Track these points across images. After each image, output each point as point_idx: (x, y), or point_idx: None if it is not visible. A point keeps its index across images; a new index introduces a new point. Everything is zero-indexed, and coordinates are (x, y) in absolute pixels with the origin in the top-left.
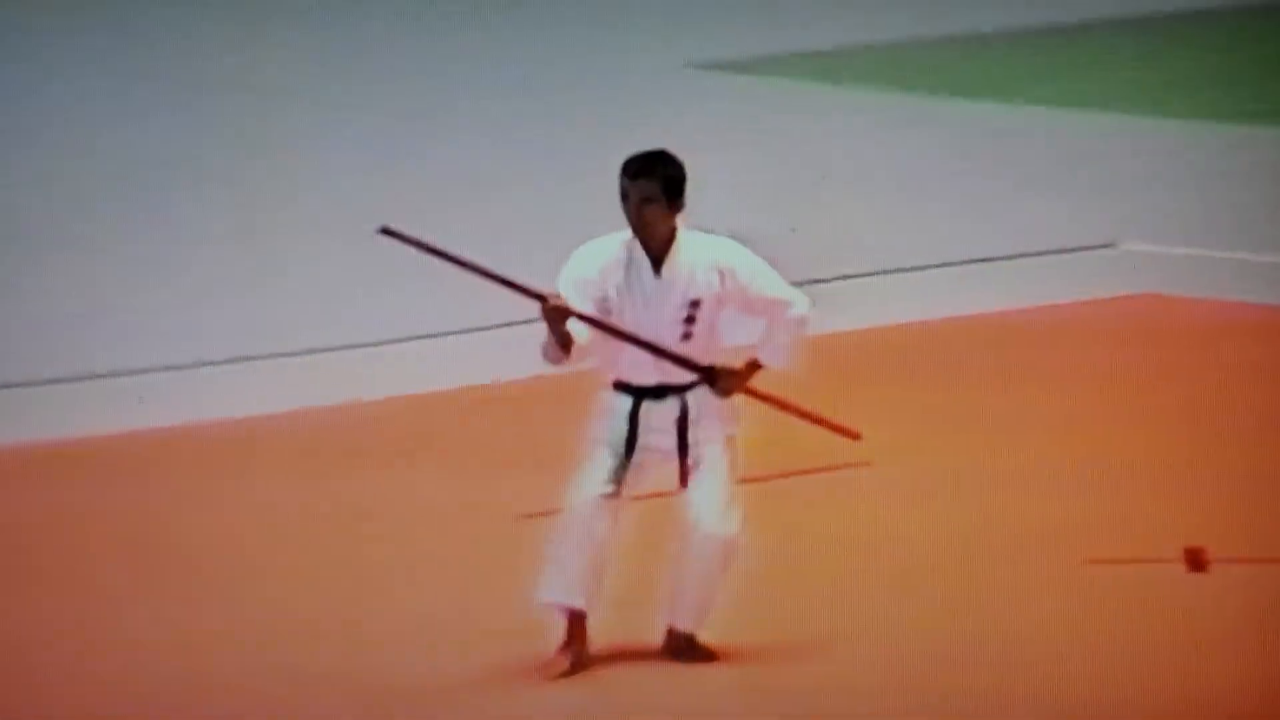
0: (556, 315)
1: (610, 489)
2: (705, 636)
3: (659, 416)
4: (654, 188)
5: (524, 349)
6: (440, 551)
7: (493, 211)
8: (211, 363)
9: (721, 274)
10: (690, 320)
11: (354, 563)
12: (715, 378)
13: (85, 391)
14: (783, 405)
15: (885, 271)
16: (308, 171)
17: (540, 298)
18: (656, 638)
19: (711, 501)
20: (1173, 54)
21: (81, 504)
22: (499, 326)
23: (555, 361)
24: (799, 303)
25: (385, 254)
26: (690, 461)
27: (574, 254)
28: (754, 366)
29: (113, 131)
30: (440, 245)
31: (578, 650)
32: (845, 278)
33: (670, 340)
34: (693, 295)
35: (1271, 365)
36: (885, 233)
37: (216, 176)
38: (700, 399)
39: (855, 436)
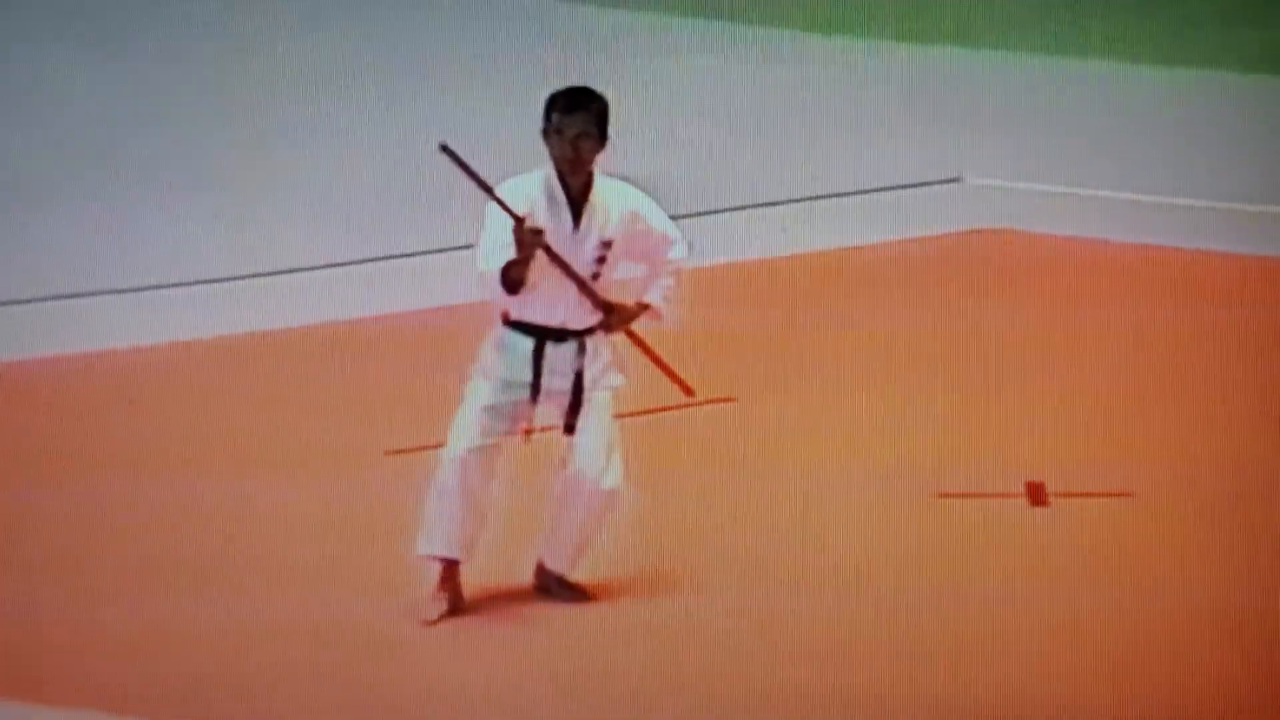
0: (530, 239)
1: (489, 440)
2: (578, 574)
3: (559, 359)
4: (589, 121)
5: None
6: (316, 492)
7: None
8: (105, 292)
9: (632, 216)
10: (601, 260)
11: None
12: (610, 312)
13: None
14: (642, 347)
15: (731, 209)
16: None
17: (518, 218)
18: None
19: (596, 453)
20: None
21: None
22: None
23: (508, 293)
24: (682, 252)
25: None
26: (582, 408)
27: (498, 188)
28: (642, 307)
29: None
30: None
31: (451, 596)
32: (692, 215)
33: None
34: (606, 236)
35: (1115, 299)
36: (733, 169)
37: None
38: (596, 345)
39: (689, 392)
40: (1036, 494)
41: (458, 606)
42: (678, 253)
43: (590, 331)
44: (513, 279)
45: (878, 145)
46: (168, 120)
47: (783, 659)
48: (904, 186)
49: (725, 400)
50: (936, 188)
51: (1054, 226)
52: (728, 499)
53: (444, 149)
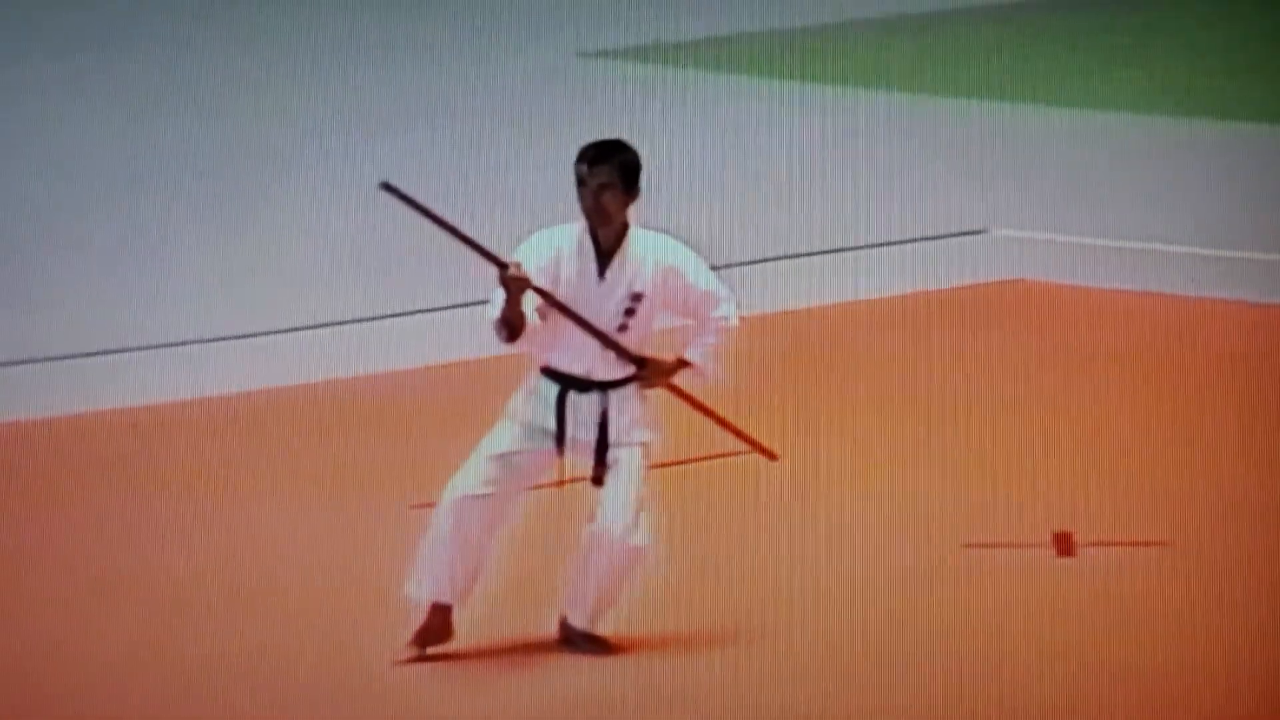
0: (514, 285)
1: (490, 489)
2: (603, 627)
3: (583, 409)
4: (612, 174)
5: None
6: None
7: (388, 211)
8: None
9: (668, 271)
10: (629, 313)
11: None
12: (644, 366)
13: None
14: (705, 411)
15: (759, 260)
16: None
17: (502, 265)
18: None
19: (623, 508)
20: (1040, 43)
21: None
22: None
23: (505, 340)
24: (730, 311)
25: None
26: (608, 461)
27: (528, 239)
28: (680, 364)
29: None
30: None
31: (435, 639)
32: (722, 267)
33: (606, 330)
34: (636, 289)
35: (1138, 350)
36: (761, 221)
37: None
38: (622, 399)
39: (772, 457)
40: (1064, 544)
41: (441, 643)
42: (725, 311)
43: (620, 384)
44: (506, 324)
45: (904, 197)
46: (187, 174)
47: (810, 712)
48: (930, 238)
49: (738, 454)
50: (962, 239)
51: (1079, 277)
52: (754, 550)
53: (385, 187)
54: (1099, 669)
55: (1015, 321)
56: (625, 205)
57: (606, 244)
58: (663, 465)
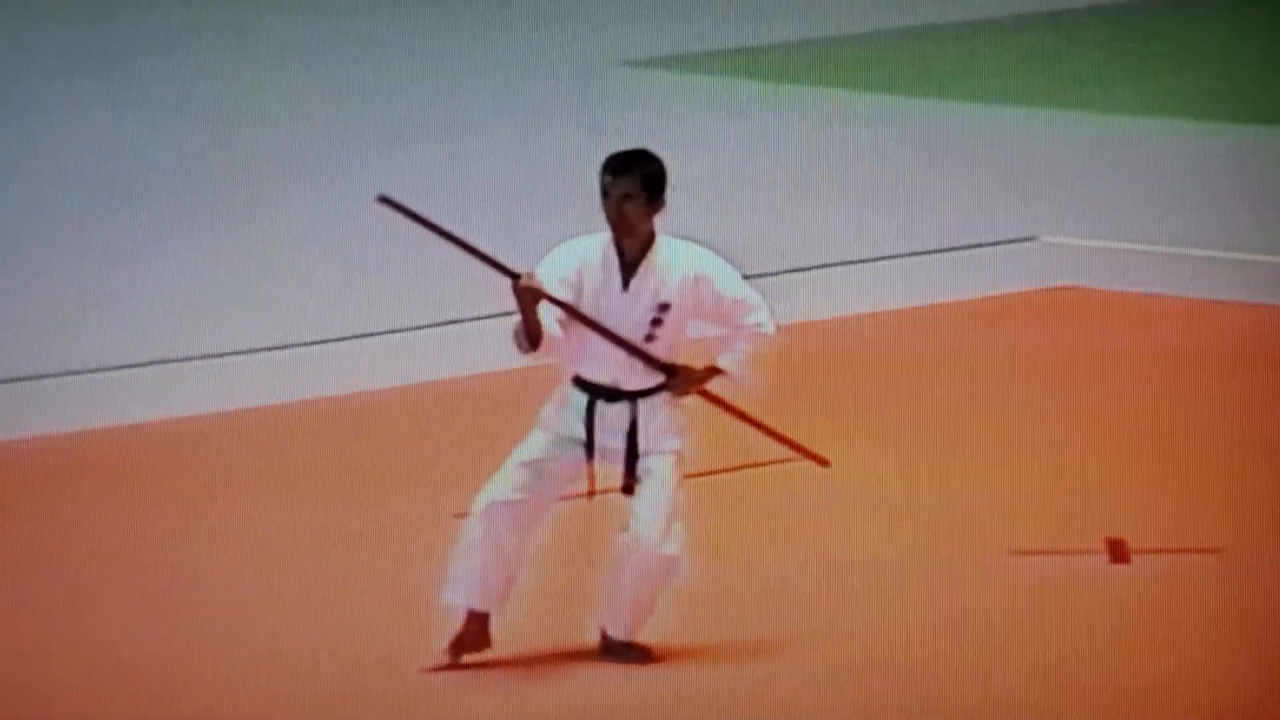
0: (527, 295)
1: (521, 496)
2: (644, 636)
3: (612, 418)
4: (634, 184)
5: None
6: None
7: (430, 214)
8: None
9: (696, 280)
10: (656, 323)
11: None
12: (674, 374)
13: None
14: (748, 419)
15: (808, 268)
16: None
17: (513, 275)
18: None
19: (655, 517)
20: (1088, 49)
21: None
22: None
23: (525, 350)
24: (764, 319)
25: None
26: (639, 470)
27: (553, 251)
28: (712, 371)
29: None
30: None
31: (469, 648)
32: (767, 274)
33: (631, 340)
34: (663, 299)
35: (1190, 356)
36: (809, 229)
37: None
38: (651, 408)
39: (824, 463)
40: (1117, 550)
41: (477, 651)
42: (759, 318)
43: (649, 393)
44: (524, 335)
45: (954, 205)
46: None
47: (855, 718)
48: (980, 245)
49: (786, 461)
50: (1012, 246)
51: (1129, 284)
52: (799, 558)
53: (384, 200)
54: (1153, 675)
55: (1066, 328)
56: (649, 216)
57: (631, 254)
58: (707, 474)
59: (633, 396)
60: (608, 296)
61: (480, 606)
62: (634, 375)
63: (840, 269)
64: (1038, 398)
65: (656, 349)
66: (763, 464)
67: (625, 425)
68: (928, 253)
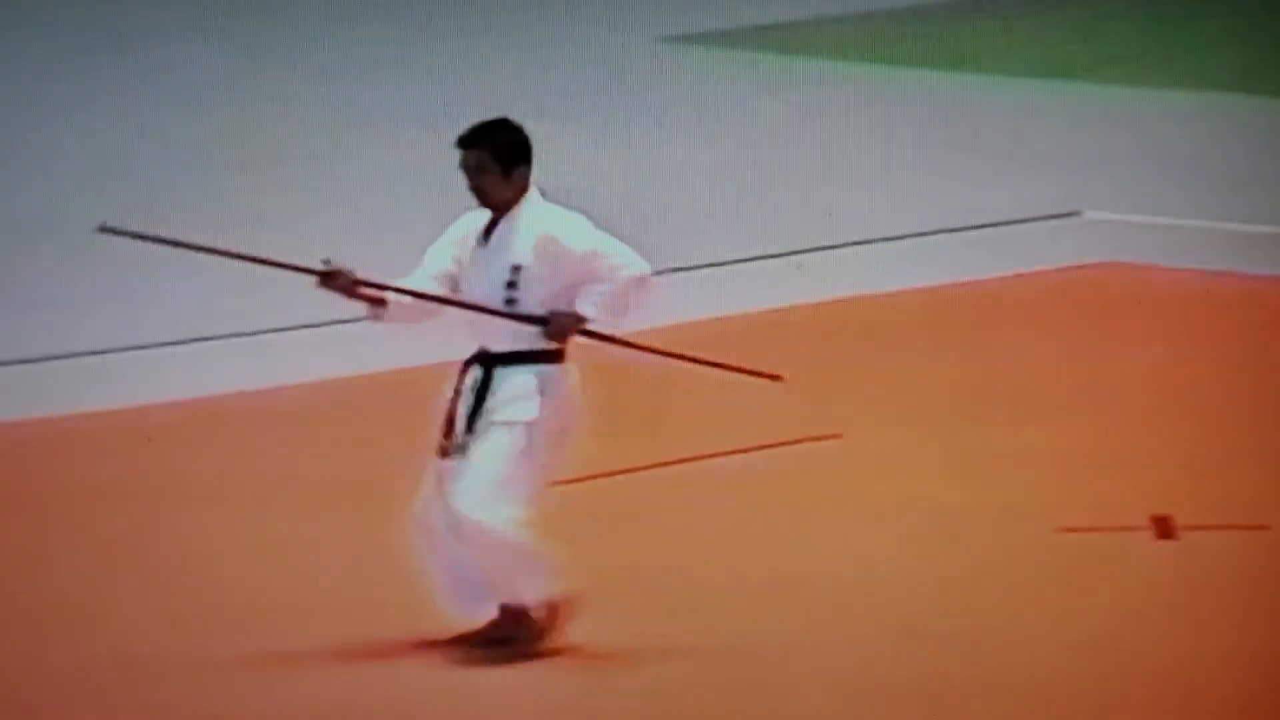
0: (335, 287)
1: (429, 496)
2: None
3: (469, 383)
4: (485, 156)
5: None
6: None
7: (462, 192)
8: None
9: (546, 241)
10: (512, 285)
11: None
12: (546, 323)
13: None
14: (676, 355)
15: (851, 244)
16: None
17: (315, 274)
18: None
19: (470, 483)
20: (1135, 23)
21: None
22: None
23: (376, 319)
24: (632, 264)
25: None
26: (472, 434)
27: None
28: (580, 316)
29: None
30: (175, 237)
31: (507, 634)
32: (811, 250)
33: (495, 305)
34: (514, 260)
35: (1233, 331)
36: (851, 205)
37: None
38: (509, 373)
39: (777, 379)
40: (1163, 527)
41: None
42: (612, 262)
43: (512, 357)
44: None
45: (997, 180)
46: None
47: (895, 699)
48: (1023, 221)
49: (832, 437)
50: (1055, 222)
51: (1173, 259)
52: (843, 537)
53: (105, 229)
54: (1200, 651)
55: (1108, 304)
56: (505, 185)
57: (497, 221)
58: (739, 451)
59: (496, 361)
60: (471, 263)
61: (468, 610)
62: (497, 336)
63: (881, 245)
64: (1082, 373)
65: (522, 310)
66: (790, 443)
67: (475, 388)
68: (970, 228)
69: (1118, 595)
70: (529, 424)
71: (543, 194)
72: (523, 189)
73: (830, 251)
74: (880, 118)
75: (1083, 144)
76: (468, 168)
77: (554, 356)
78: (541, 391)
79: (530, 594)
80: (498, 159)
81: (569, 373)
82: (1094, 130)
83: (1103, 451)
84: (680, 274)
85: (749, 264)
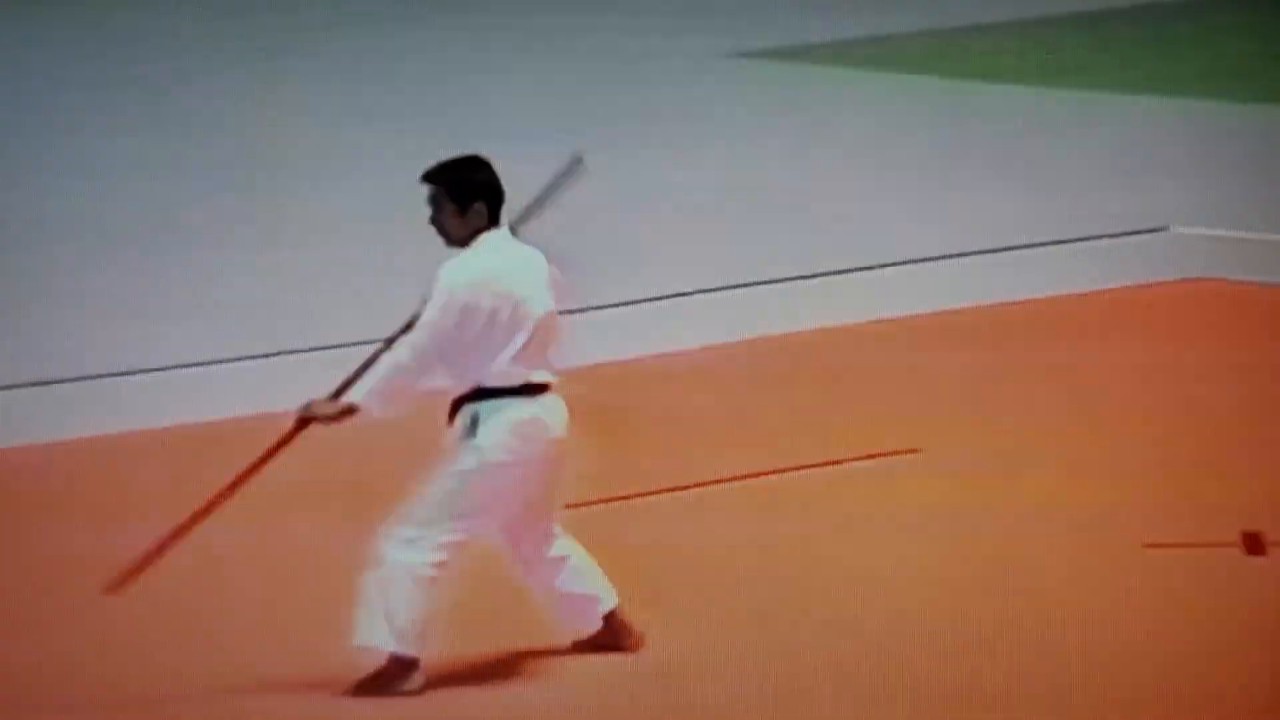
0: (327, 420)
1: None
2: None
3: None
4: (440, 192)
5: None
6: None
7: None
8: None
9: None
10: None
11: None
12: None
13: None
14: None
15: (936, 258)
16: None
17: (307, 421)
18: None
19: (406, 520)
20: (1223, 37)
21: None
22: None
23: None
24: (403, 342)
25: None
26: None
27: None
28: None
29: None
30: None
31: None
32: (897, 264)
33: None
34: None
35: None
36: (937, 219)
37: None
38: (470, 413)
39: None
40: (1253, 544)
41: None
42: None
43: (470, 400)
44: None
45: (1085, 194)
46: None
47: (976, 711)
48: (1111, 235)
49: (910, 452)
50: (1144, 236)
51: (1262, 274)
52: (924, 552)
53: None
54: None
55: (1197, 320)
56: (462, 222)
57: None
58: (819, 465)
59: (460, 401)
60: None
61: (589, 622)
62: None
63: (969, 258)
64: (1172, 389)
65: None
66: (870, 457)
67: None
68: (1058, 242)
69: (1207, 611)
70: (462, 472)
71: (513, 232)
72: (479, 227)
73: (910, 266)
74: (963, 132)
75: (1173, 158)
76: (430, 202)
77: (492, 394)
78: (468, 434)
79: (361, 639)
80: (452, 196)
81: (525, 407)
82: (1185, 144)
83: (1192, 467)
84: (792, 283)
85: (856, 274)
